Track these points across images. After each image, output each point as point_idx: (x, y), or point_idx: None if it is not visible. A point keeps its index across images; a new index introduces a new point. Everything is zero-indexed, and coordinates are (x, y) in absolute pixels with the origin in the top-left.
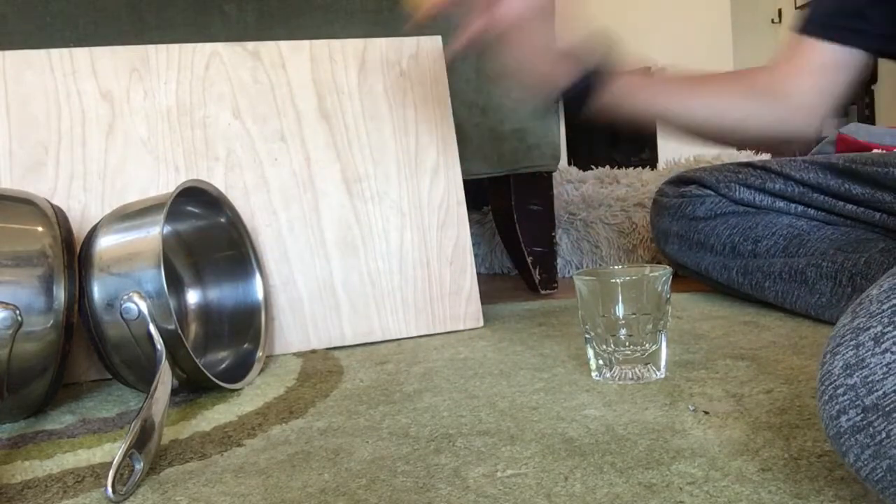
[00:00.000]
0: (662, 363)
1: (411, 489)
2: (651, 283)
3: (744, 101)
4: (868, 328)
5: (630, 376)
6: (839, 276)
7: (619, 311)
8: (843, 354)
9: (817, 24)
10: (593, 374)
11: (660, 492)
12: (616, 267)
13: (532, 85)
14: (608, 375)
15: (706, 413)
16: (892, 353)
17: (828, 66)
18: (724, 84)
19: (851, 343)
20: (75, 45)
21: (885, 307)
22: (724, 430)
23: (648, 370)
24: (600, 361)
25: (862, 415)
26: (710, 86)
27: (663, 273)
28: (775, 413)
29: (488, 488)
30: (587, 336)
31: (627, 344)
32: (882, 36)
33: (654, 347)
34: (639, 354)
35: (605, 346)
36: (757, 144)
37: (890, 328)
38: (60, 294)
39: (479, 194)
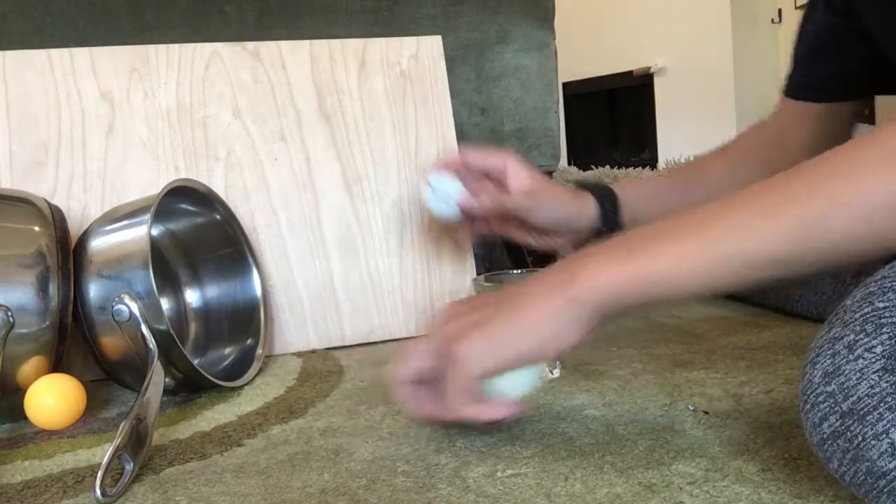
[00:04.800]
0: None
1: (411, 489)
2: None
3: (753, 167)
4: (843, 337)
5: None
6: (843, 274)
7: None
8: (822, 363)
9: (802, 88)
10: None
11: (660, 492)
12: None
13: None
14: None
15: (706, 413)
16: (864, 359)
17: (821, 116)
18: (723, 161)
19: (828, 352)
20: (75, 45)
21: (857, 316)
22: (724, 430)
23: None
24: None
25: (840, 420)
26: (710, 169)
27: None
28: (775, 413)
29: (488, 488)
30: None
31: None
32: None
33: None
34: None
35: None
36: None
37: (861, 336)
38: (55, 294)
39: None
